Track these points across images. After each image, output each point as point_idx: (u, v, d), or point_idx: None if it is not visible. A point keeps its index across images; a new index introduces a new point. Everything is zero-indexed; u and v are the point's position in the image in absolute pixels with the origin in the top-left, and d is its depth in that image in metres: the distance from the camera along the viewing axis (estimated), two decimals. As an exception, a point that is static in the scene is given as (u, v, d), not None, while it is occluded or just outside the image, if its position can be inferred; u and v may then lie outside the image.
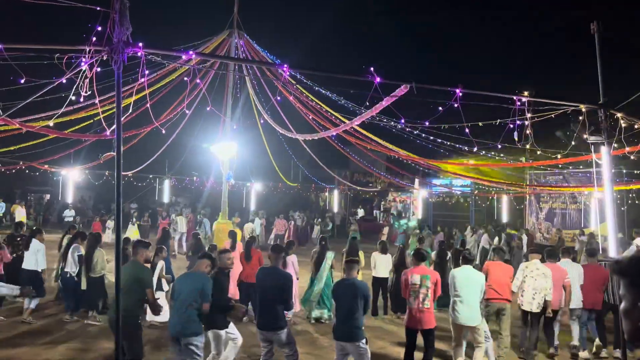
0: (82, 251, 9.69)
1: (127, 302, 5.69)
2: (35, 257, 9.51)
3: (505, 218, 24.27)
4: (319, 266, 10.24)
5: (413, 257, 7.46)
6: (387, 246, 11.40)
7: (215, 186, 24.94)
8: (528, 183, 22.21)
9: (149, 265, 8.26)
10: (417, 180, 28.01)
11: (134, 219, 20.99)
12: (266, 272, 6.45)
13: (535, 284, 7.97)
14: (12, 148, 17.00)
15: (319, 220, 26.60)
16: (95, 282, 9.54)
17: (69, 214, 24.71)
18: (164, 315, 8.05)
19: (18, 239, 10.52)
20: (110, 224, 20.95)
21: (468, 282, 7.22)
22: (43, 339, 8.37)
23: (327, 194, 36.91)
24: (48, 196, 35.38)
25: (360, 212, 36.82)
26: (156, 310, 6.21)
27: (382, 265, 10.84)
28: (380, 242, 11.67)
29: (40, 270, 9.64)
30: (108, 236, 19.82)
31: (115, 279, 5.55)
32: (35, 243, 9.61)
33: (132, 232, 19.18)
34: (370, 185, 35.09)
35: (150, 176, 27.99)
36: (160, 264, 9.46)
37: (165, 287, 9.43)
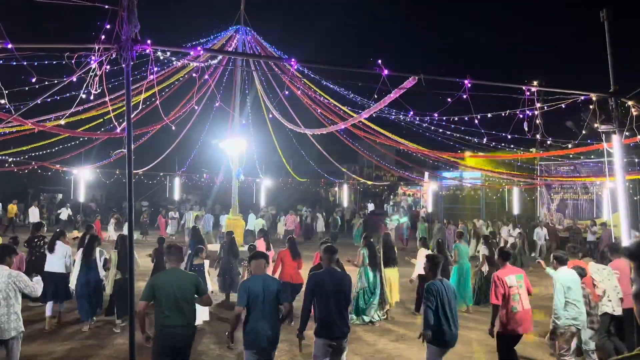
0: (106, 254, 9.47)
1: (185, 312, 5.42)
2: (63, 261, 9.05)
3: (516, 210, 24.15)
4: (374, 265, 9.79)
5: (500, 258, 6.94)
6: (427, 242, 11.33)
7: (225, 183, 25.07)
8: (539, 174, 22.09)
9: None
10: (426, 174, 27.93)
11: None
12: (328, 275, 5.73)
13: (612, 283, 7.44)
14: (24, 148, 17.20)
15: (324, 214, 26.66)
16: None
17: (65, 212, 24.68)
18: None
19: (36, 240, 10.44)
20: (113, 222, 21.06)
21: (576, 283, 6.70)
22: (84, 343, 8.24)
23: (336, 188, 36.92)
24: (60, 196, 35.75)
25: (371, 207, 36.79)
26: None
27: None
28: (421, 238, 11.59)
29: (68, 274, 9.24)
30: (110, 234, 19.95)
31: (129, 278, 5.53)
32: (62, 246, 9.18)
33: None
34: (381, 179, 35.04)
35: (161, 174, 28.17)
36: (206, 263, 9.45)
37: (210, 287, 9.48)
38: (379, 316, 9.76)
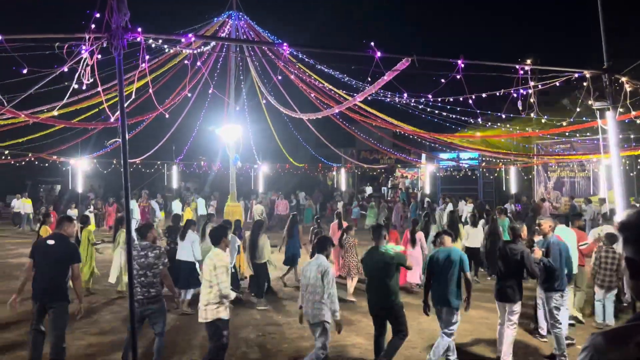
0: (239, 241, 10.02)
1: (388, 287, 6.25)
2: (190, 250, 9.44)
3: (513, 189, 24.24)
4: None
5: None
6: (477, 219, 12.40)
7: (223, 170, 25.06)
8: (535, 153, 22.11)
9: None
10: (424, 156, 27.95)
11: (92, 207, 21.22)
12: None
13: None
14: (20, 140, 17.15)
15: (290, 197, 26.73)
16: (261, 268, 9.74)
17: (19, 204, 23.09)
18: None
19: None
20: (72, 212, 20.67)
21: None
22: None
23: (334, 173, 36.96)
24: (59, 187, 35.71)
25: (369, 190, 36.87)
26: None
27: (474, 236, 11.92)
28: (472, 215, 12.73)
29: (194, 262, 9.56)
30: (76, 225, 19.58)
31: (127, 262, 5.56)
32: (191, 234, 9.56)
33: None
34: (378, 162, 35.04)
35: (158, 162, 28.16)
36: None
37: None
38: None
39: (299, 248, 11.69)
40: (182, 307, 9.08)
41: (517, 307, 6.70)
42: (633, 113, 7.97)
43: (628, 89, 7.16)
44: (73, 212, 20.47)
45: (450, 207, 17.97)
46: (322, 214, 25.03)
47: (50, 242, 6.12)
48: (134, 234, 6.65)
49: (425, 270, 7.02)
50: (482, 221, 12.63)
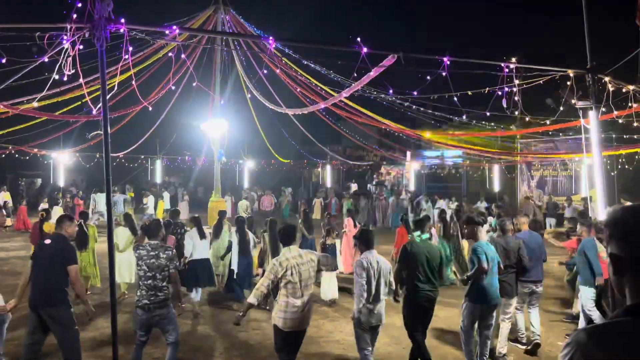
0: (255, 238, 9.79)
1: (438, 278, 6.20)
2: (208, 245, 9.31)
3: (497, 187, 24.44)
4: (446, 237, 11.20)
5: None
6: (486, 216, 12.50)
7: (207, 165, 24.88)
8: (518, 151, 22.33)
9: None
10: (409, 153, 28.06)
11: (60, 200, 20.94)
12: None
13: None
14: (0, 132, 16.83)
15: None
16: None
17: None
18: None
19: (178, 228, 10.19)
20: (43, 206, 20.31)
21: None
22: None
23: (319, 169, 36.92)
24: (39, 180, 35.14)
25: (354, 187, 36.90)
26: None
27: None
28: (479, 213, 12.56)
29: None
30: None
31: (109, 260, 5.43)
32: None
33: (58, 212, 19.45)
34: (363, 159, 35.10)
35: (142, 157, 27.84)
36: (338, 243, 10.21)
37: (341, 267, 9.99)
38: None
39: (313, 244, 11.21)
40: (195, 307, 8.71)
41: (513, 301, 6.76)
42: (615, 113, 8.06)
43: (611, 89, 7.24)
44: (44, 206, 20.19)
45: (439, 204, 18.10)
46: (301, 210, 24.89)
47: (47, 241, 5.62)
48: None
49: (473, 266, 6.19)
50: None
